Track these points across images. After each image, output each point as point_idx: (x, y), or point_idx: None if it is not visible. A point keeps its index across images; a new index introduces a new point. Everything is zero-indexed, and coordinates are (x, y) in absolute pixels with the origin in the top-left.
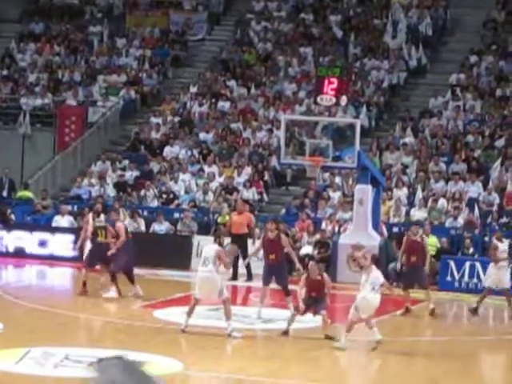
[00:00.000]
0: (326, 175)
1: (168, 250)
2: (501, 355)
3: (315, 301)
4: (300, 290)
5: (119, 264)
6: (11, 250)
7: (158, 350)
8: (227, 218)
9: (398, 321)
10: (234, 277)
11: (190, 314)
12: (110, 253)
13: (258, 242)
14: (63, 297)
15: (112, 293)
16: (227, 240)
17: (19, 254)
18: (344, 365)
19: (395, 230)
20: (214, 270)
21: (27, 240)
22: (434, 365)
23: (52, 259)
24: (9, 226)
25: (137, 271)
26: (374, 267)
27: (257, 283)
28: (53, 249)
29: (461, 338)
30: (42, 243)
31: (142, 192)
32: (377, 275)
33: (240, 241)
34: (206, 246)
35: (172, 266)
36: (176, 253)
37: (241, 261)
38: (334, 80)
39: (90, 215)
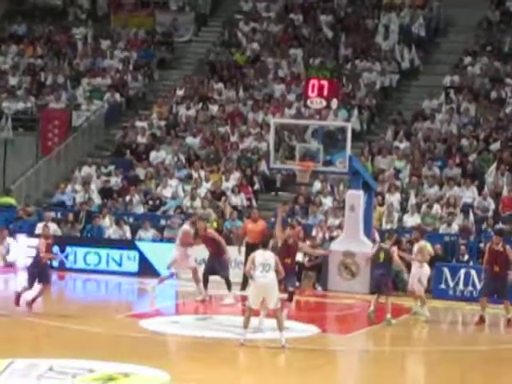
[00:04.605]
0: (317, 181)
1: (153, 258)
2: (497, 366)
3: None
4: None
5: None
6: None
7: (144, 360)
8: (215, 224)
9: (390, 330)
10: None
11: (246, 326)
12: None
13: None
14: (47, 306)
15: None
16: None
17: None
18: (341, 377)
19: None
20: (275, 278)
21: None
22: (430, 376)
23: None
24: None
25: (121, 279)
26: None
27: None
28: None
29: (456, 348)
30: None
31: (128, 198)
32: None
33: (256, 250)
34: (259, 253)
35: (157, 274)
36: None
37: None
38: (325, 82)
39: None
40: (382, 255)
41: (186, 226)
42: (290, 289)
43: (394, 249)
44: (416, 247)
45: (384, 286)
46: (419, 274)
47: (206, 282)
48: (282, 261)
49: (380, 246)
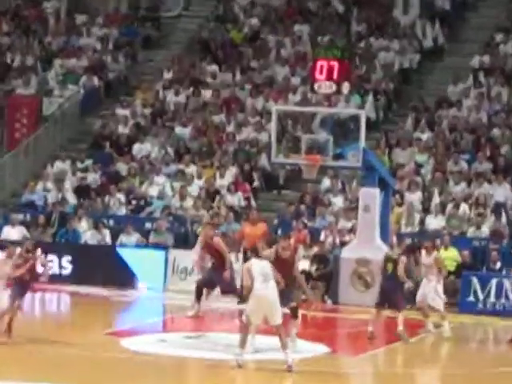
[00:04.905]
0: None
1: (137, 266)
2: None
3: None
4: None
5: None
6: None
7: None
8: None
9: (408, 350)
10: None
11: (243, 345)
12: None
13: None
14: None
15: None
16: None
17: None
18: None
19: (408, 241)
20: (276, 289)
21: None
22: None
23: None
24: None
25: (100, 291)
26: None
27: None
28: None
29: (485, 371)
30: None
31: (107, 198)
32: None
33: None
34: (255, 262)
35: (141, 285)
36: (147, 270)
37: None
38: (335, 63)
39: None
40: (389, 266)
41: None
42: (292, 304)
43: (403, 259)
44: (430, 259)
45: (396, 300)
46: (434, 286)
47: (199, 294)
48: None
49: (386, 256)
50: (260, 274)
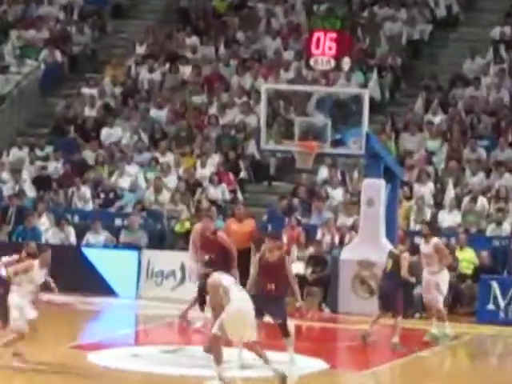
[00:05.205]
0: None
1: (106, 270)
2: None
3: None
4: None
5: None
6: None
7: None
8: (187, 225)
9: (419, 365)
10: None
11: (220, 360)
12: None
13: (252, 267)
14: None
15: None
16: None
17: None
18: None
19: (418, 240)
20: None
21: None
22: None
23: None
24: None
25: (63, 299)
26: None
27: None
28: None
29: None
30: None
31: (71, 190)
32: None
33: (242, 258)
34: (222, 277)
35: (110, 291)
36: (117, 273)
37: None
38: (333, 35)
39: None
40: (389, 263)
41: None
42: (279, 321)
43: (406, 255)
44: (429, 247)
45: (394, 303)
46: (436, 280)
47: (202, 301)
48: (264, 286)
49: (389, 252)
50: (232, 282)
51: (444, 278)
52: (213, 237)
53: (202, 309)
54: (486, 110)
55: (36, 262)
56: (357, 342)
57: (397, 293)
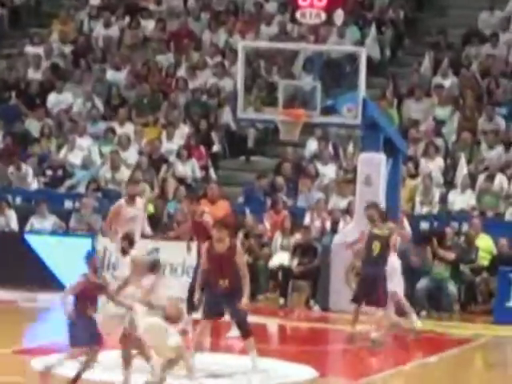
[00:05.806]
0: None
1: (53, 260)
2: None
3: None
4: None
5: None
6: None
7: None
8: (150, 208)
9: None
10: None
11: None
12: None
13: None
14: None
15: None
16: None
17: None
18: None
19: (424, 225)
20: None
21: None
22: None
23: None
24: None
25: (3, 294)
26: None
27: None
28: None
29: None
30: None
31: (13, 167)
32: None
33: None
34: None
35: (59, 285)
36: (67, 264)
37: None
38: None
39: None
40: (376, 245)
41: None
42: (235, 320)
43: (397, 237)
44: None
45: (376, 294)
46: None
47: (191, 302)
48: (215, 283)
49: (371, 233)
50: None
51: (394, 266)
52: (200, 220)
53: (190, 311)
54: (505, 72)
55: None
56: (351, 345)
57: (382, 283)
